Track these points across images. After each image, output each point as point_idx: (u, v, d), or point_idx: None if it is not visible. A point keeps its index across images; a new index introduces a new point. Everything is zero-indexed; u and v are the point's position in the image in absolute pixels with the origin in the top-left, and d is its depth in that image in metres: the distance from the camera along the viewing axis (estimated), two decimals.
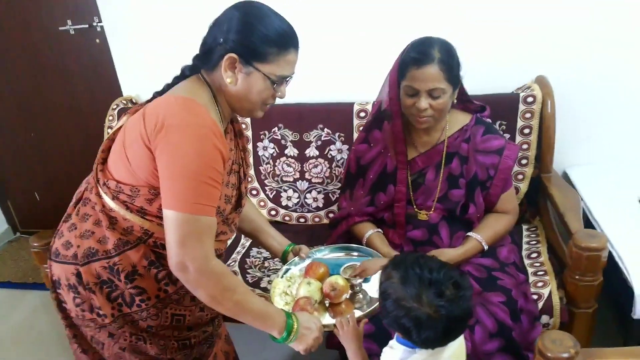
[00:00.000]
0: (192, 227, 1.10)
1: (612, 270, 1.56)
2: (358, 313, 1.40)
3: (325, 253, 1.65)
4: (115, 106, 2.28)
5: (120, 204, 1.19)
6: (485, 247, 1.63)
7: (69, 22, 2.47)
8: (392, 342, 1.15)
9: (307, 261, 1.58)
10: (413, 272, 1.06)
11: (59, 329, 2.30)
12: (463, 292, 1.04)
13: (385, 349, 1.16)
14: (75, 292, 1.23)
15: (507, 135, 1.96)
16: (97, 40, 2.47)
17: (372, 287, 1.48)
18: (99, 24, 2.42)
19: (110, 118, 2.26)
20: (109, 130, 2.26)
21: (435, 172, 1.67)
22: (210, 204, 1.13)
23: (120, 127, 1.27)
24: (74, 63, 2.58)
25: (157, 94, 1.28)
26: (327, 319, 1.40)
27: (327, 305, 1.43)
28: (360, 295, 1.46)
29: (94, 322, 1.25)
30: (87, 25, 2.45)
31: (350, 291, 1.45)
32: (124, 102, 2.31)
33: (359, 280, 1.45)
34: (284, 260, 1.62)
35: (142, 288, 1.21)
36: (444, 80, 1.50)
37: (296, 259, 1.60)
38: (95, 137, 2.62)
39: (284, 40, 1.19)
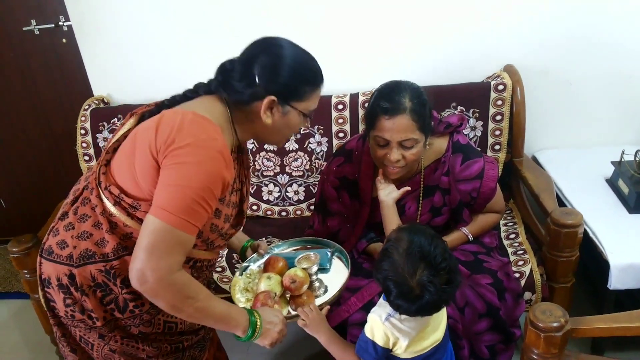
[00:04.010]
0: (166, 237, 1.07)
1: (585, 246, 1.65)
2: (318, 302, 1.42)
3: (283, 248, 1.67)
4: (87, 106, 2.23)
5: (122, 210, 1.16)
6: (471, 239, 1.68)
7: (33, 22, 2.39)
8: (382, 301, 1.21)
9: (266, 257, 1.59)
10: (422, 247, 1.11)
11: (36, 338, 2.27)
12: (451, 288, 1.11)
13: (374, 309, 1.23)
14: (66, 292, 1.20)
15: (481, 123, 2.03)
16: (64, 40, 2.40)
17: (327, 276, 1.51)
18: (65, 23, 2.36)
19: (83, 119, 2.21)
20: (82, 131, 2.23)
21: (415, 204, 1.65)
22: (193, 223, 1.10)
23: (128, 129, 1.24)
24: (39, 64, 2.50)
25: (168, 102, 1.26)
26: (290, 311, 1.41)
27: (288, 298, 1.44)
28: (317, 284, 1.47)
29: (84, 323, 1.23)
30: (52, 25, 2.38)
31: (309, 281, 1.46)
32: (96, 102, 2.26)
33: (315, 269, 1.46)
34: (242, 257, 1.63)
35: (137, 294, 1.18)
36: (417, 131, 1.44)
37: (255, 255, 1.62)
38: (64, 139, 2.58)
39: (317, 77, 1.23)
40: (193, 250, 1.24)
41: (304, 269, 1.44)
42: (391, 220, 1.54)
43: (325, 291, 1.47)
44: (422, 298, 1.09)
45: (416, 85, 1.50)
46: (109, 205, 1.17)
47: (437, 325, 1.23)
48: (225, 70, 1.22)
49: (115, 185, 1.18)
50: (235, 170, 1.29)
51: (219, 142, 1.12)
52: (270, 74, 1.17)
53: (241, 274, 1.56)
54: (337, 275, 1.50)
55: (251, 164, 1.42)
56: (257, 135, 1.30)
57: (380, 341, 1.18)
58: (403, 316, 1.16)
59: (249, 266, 1.60)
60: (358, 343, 1.24)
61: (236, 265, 1.92)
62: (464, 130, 1.69)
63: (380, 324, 1.18)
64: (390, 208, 1.57)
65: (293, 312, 1.39)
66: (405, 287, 1.10)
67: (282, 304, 1.42)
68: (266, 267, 1.51)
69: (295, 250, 1.66)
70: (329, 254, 1.57)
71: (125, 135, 1.24)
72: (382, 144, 1.48)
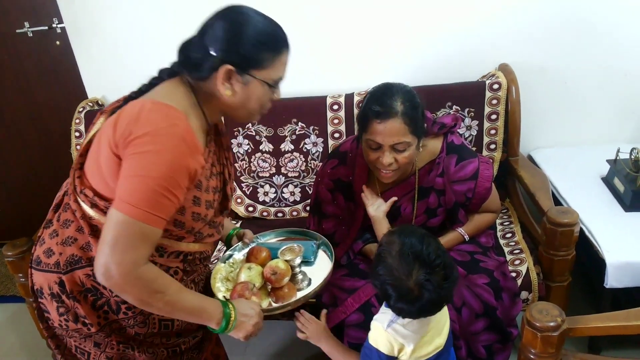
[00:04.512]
0: (129, 231, 1.03)
1: (582, 245, 1.64)
2: (300, 295, 1.40)
3: (269, 238, 1.65)
4: (81, 109, 2.22)
5: (99, 212, 1.14)
6: (467, 239, 1.67)
7: (27, 24, 2.38)
8: (384, 308, 1.21)
9: (250, 246, 1.57)
10: (414, 247, 1.10)
11: (32, 342, 2.26)
12: (449, 283, 1.10)
13: (376, 316, 1.21)
14: (58, 301, 1.18)
15: (476, 122, 2.03)
16: (58, 42, 2.39)
17: (311, 269, 1.49)
18: (59, 25, 2.35)
19: (77, 121, 2.21)
20: (77, 134, 2.22)
21: (410, 205, 1.63)
22: (158, 215, 1.05)
23: (98, 129, 1.21)
24: (33, 66, 2.49)
25: (134, 95, 1.21)
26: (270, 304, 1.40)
27: (269, 289, 1.42)
28: (300, 276, 1.45)
29: (79, 332, 1.21)
30: (46, 27, 2.38)
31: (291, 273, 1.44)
32: (90, 104, 2.25)
33: (298, 262, 1.43)
34: (228, 245, 1.60)
35: None
36: (409, 134, 1.43)
37: (240, 244, 1.59)
38: (59, 142, 2.57)
39: (277, 43, 1.16)
40: (182, 244, 1.22)
41: (286, 260, 1.42)
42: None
43: (309, 284, 1.45)
44: (422, 298, 1.08)
45: (408, 87, 1.49)
46: (87, 208, 1.15)
47: (440, 330, 1.22)
48: (185, 46, 1.17)
49: (89, 188, 1.16)
50: (212, 154, 1.25)
51: (180, 128, 1.07)
52: (225, 42, 1.10)
53: (224, 262, 1.54)
54: (321, 268, 1.48)
55: (231, 145, 1.36)
56: (224, 112, 1.22)
57: (384, 349, 1.17)
58: (406, 320, 1.15)
59: (232, 255, 1.58)
60: (363, 350, 1.22)
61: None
62: (459, 130, 1.69)
63: (383, 331, 1.16)
64: (382, 222, 1.57)
65: (274, 305, 1.36)
66: (403, 290, 1.09)
67: (262, 295, 1.39)
68: (249, 257, 1.49)
69: (281, 240, 1.64)
70: (315, 246, 1.56)
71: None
72: (375, 148, 1.47)
